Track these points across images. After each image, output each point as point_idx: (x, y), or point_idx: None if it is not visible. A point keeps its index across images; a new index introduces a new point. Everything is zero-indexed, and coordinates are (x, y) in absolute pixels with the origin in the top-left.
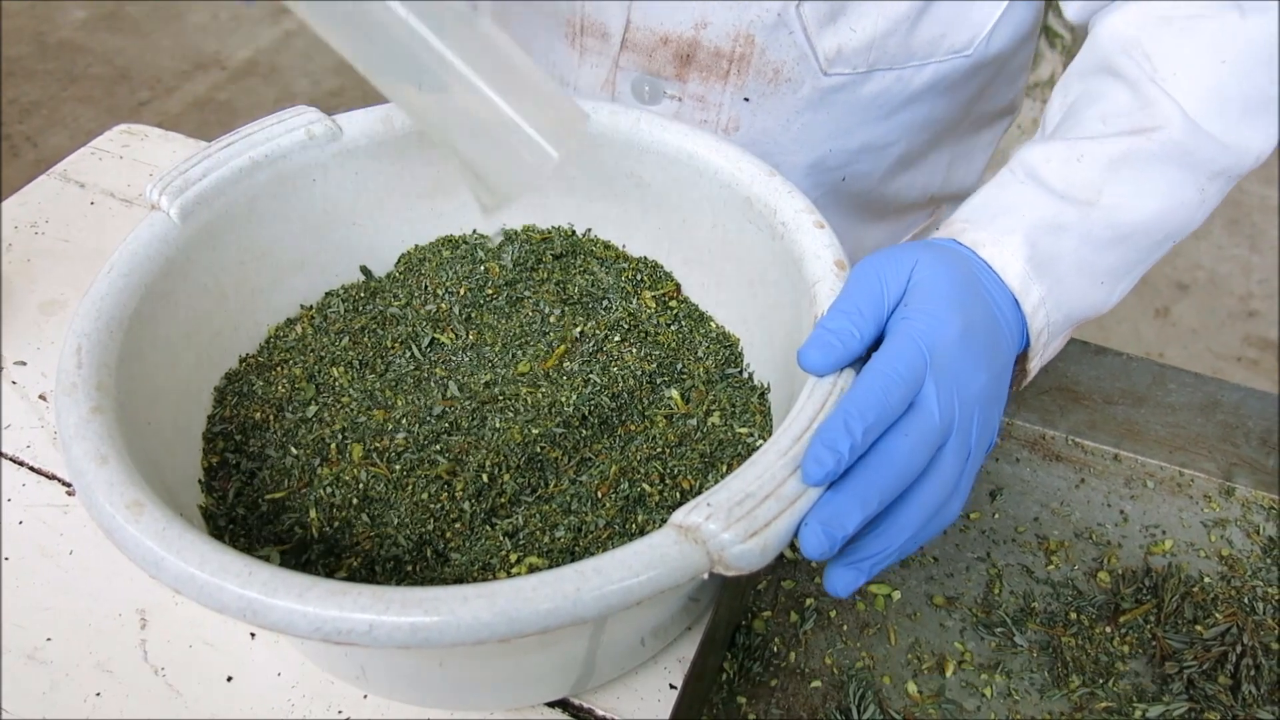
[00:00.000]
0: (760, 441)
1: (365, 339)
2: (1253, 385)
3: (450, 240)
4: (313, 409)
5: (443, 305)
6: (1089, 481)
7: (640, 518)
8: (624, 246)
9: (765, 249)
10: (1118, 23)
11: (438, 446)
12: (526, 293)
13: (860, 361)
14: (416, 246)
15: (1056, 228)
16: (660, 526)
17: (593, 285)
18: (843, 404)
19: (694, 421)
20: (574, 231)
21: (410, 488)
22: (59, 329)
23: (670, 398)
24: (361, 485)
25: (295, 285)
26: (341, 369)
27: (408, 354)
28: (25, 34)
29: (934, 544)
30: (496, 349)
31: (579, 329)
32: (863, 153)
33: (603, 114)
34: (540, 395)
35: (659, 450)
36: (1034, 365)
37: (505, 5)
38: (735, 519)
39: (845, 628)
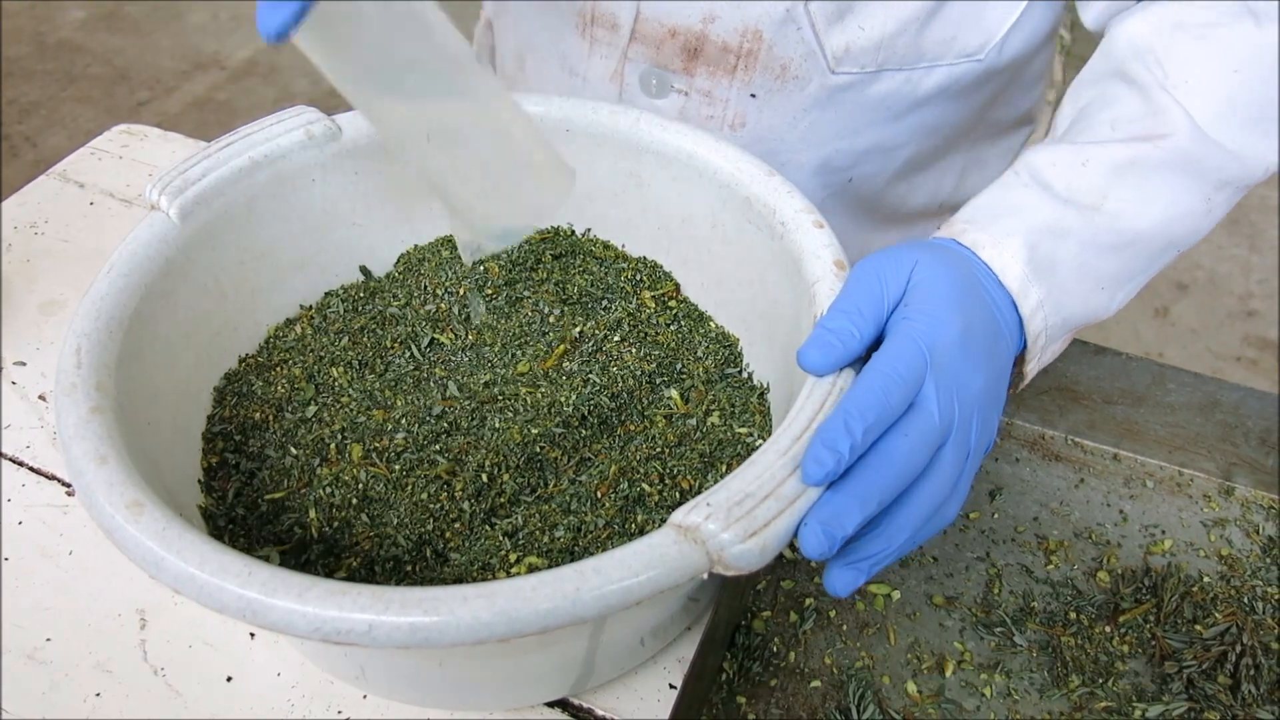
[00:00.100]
0: (760, 441)
1: (365, 339)
2: (1252, 385)
3: (450, 240)
4: (312, 409)
5: (442, 305)
6: (1088, 481)
7: (640, 517)
8: (623, 246)
9: (764, 249)
10: (1132, 28)
11: (437, 446)
12: (526, 293)
13: (860, 361)
14: (416, 246)
15: (1058, 232)
16: (660, 526)
17: (592, 285)
18: (843, 404)
19: (693, 421)
20: (573, 231)
21: (410, 488)
22: (58, 329)
23: (670, 398)
24: (361, 485)
25: (295, 285)
26: (341, 369)
27: (407, 354)
28: (25, 34)
29: (933, 544)
30: (496, 349)
31: (578, 329)
32: (870, 154)
33: (602, 114)
34: (540, 395)
35: (658, 450)
36: (1031, 368)
37: None
38: (735, 519)
39: (845, 627)
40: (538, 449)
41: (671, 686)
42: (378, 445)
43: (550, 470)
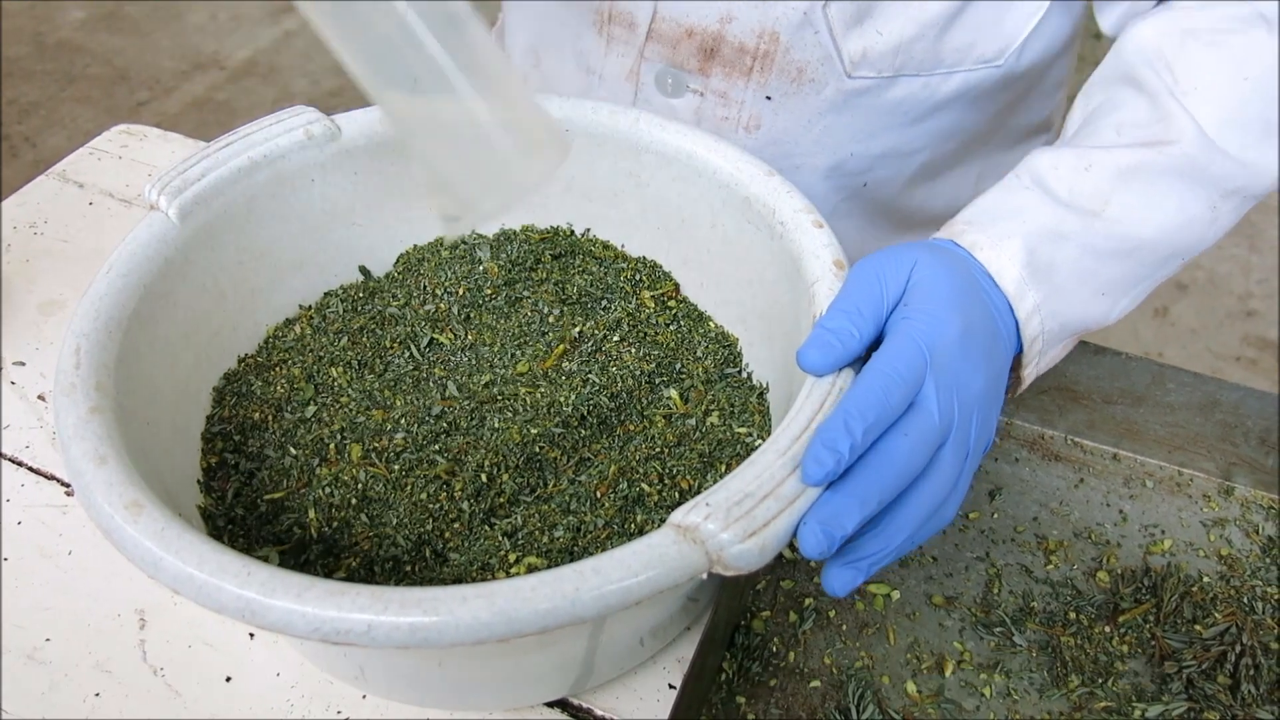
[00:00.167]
0: (759, 441)
1: (364, 339)
2: (1252, 385)
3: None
4: (311, 409)
5: (441, 305)
6: (1088, 481)
7: (639, 517)
8: (623, 246)
9: (764, 248)
10: (1144, 32)
11: (436, 446)
12: (525, 293)
13: (859, 361)
14: (415, 246)
15: (1057, 236)
16: (659, 526)
17: (591, 285)
18: (843, 404)
19: (693, 421)
20: (573, 231)
21: (409, 488)
22: (58, 329)
23: (669, 397)
24: (360, 485)
25: (294, 285)
26: (340, 369)
27: (406, 354)
28: (24, 34)
29: (933, 544)
30: (495, 349)
31: (578, 329)
32: (885, 158)
33: (602, 114)
34: (539, 395)
35: (658, 450)
36: (1028, 373)
37: None
38: (734, 519)
39: (844, 627)
40: (537, 449)
41: (671, 686)
42: (377, 445)
43: (550, 470)
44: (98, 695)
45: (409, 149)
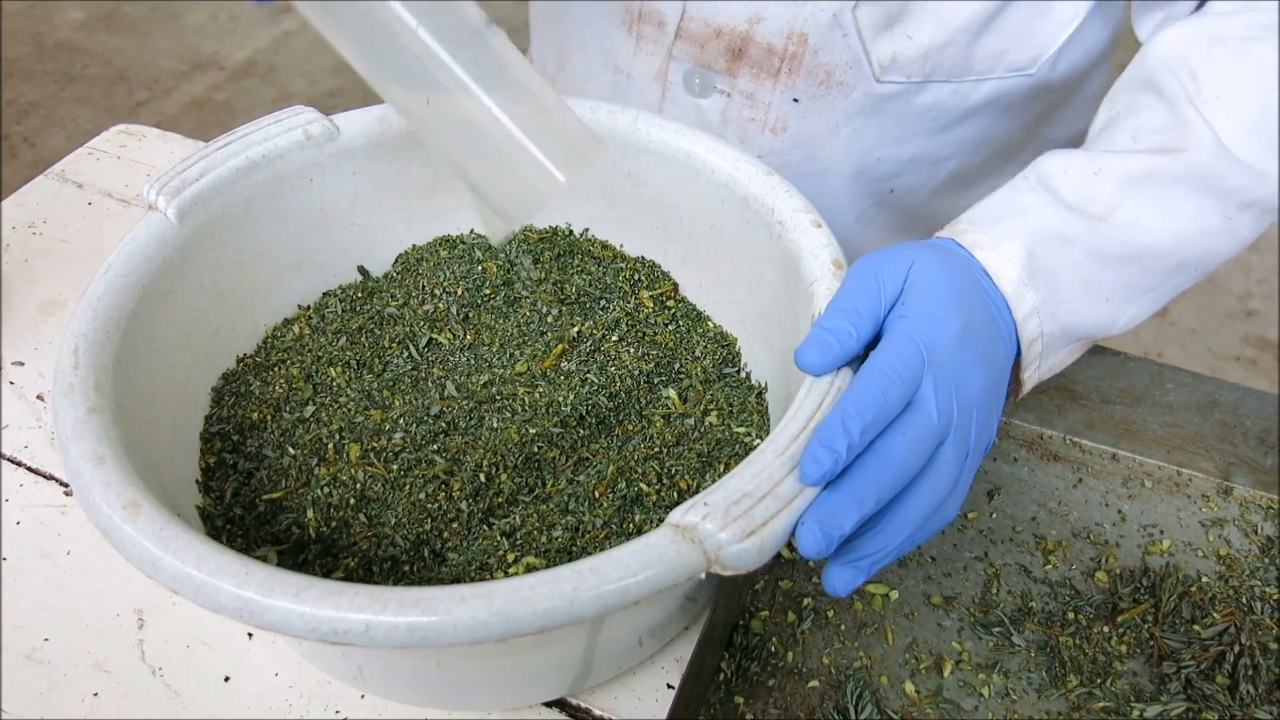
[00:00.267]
0: (758, 441)
1: (363, 339)
2: (1251, 385)
3: (448, 240)
4: (310, 409)
5: (440, 305)
6: (1087, 481)
7: (638, 517)
8: (621, 246)
9: (763, 248)
10: (1170, 38)
11: (435, 446)
12: (524, 292)
13: (858, 361)
14: (414, 246)
15: (1060, 238)
16: (657, 526)
17: (590, 285)
18: (840, 403)
19: (691, 421)
20: (571, 231)
21: (408, 488)
22: (57, 329)
23: (668, 397)
24: (359, 485)
25: (293, 285)
26: (339, 369)
27: (405, 354)
28: (23, 34)
29: (932, 543)
30: (494, 349)
31: (576, 329)
32: (913, 165)
33: (600, 113)
34: (538, 395)
35: (656, 450)
36: (1028, 375)
37: None
38: (732, 518)
39: (843, 627)
40: (536, 449)
41: (669, 686)
42: (376, 445)
43: (548, 470)
44: (96, 695)
45: (449, 164)
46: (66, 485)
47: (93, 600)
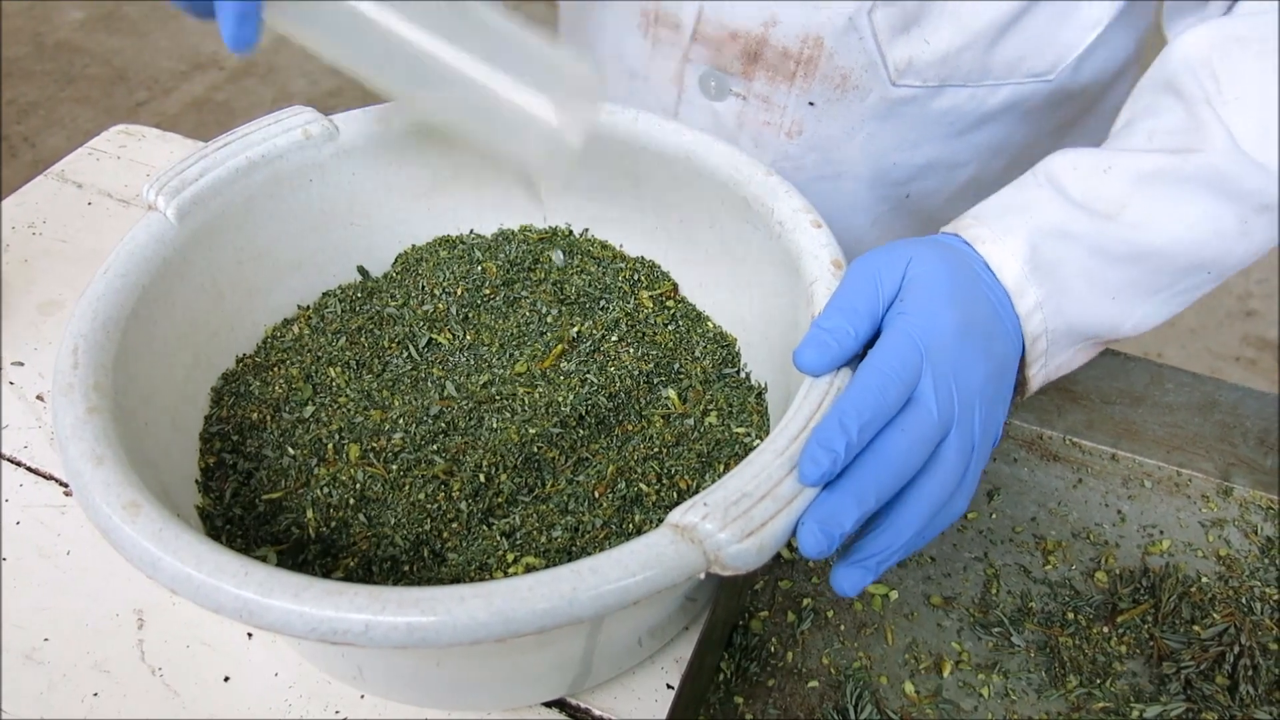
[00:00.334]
0: (757, 441)
1: (362, 339)
2: (1251, 385)
3: (447, 240)
4: (310, 409)
5: (440, 305)
6: (1086, 481)
7: (637, 517)
8: (621, 246)
9: (763, 248)
10: (1191, 39)
11: (435, 447)
12: (523, 293)
13: (857, 359)
14: (414, 246)
15: (1064, 234)
16: (657, 526)
17: (590, 285)
18: (838, 403)
19: (691, 421)
20: (571, 231)
21: (407, 488)
22: (57, 329)
23: (667, 397)
24: (358, 485)
25: (292, 285)
26: (338, 369)
27: (405, 354)
28: (23, 35)
29: (931, 544)
30: (494, 349)
31: (576, 329)
32: (929, 169)
33: (600, 113)
34: (537, 395)
35: (656, 450)
36: (1034, 373)
37: None
38: (732, 519)
39: (842, 628)
40: (535, 449)
41: (669, 686)
42: (375, 445)
43: (548, 470)
44: (96, 695)
45: (470, 145)
46: (66, 485)
47: (93, 600)
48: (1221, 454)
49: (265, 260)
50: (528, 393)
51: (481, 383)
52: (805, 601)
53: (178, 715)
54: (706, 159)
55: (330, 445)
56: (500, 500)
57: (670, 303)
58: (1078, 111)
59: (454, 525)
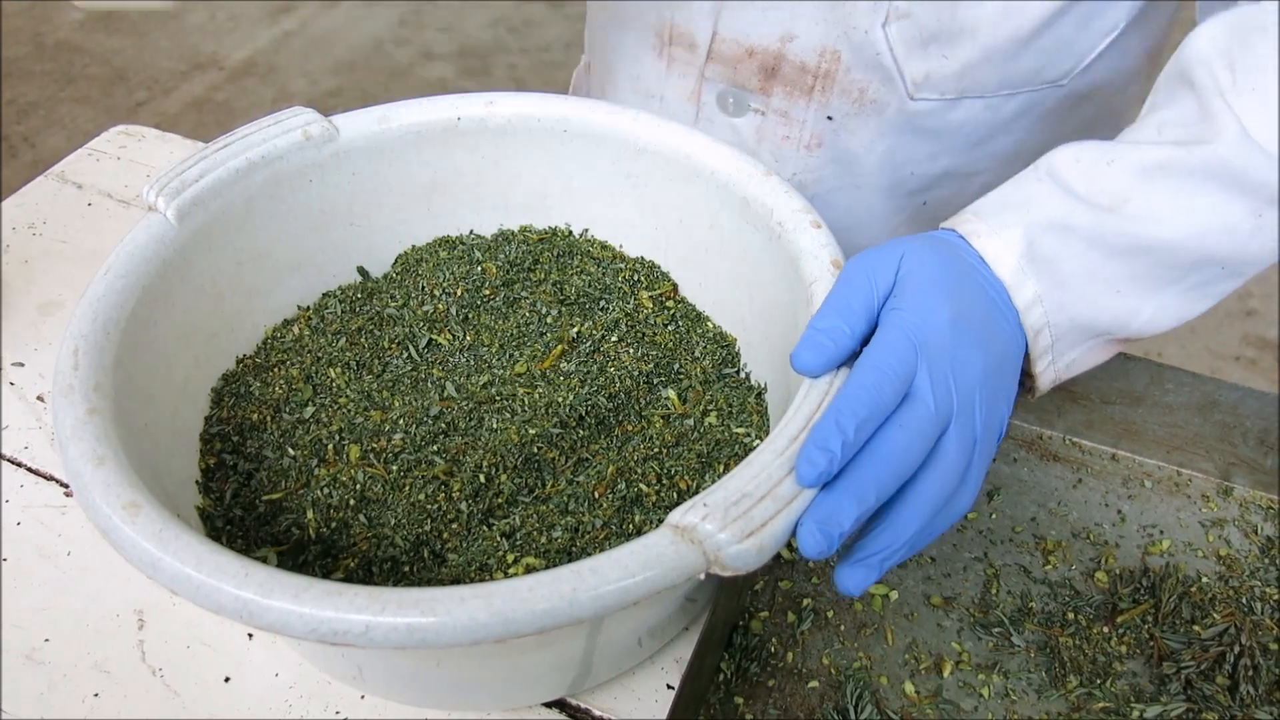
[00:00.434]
0: (757, 441)
1: (362, 340)
2: (1251, 385)
3: (447, 240)
4: (310, 410)
5: (440, 306)
6: (1086, 481)
7: (637, 518)
8: (621, 246)
9: (762, 249)
10: (1210, 30)
11: (435, 447)
12: (523, 293)
13: (855, 358)
14: (413, 247)
15: (1063, 228)
16: (657, 527)
17: (590, 285)
18: (834, 402)
19: (691, 422)
20: (570, 231)
21: (407, 488)
22: (57, 330)
23: (667, 398)
24: (359, 486)
25: (292, 286)
26: (338, 370)
27: (405, 355)
28: (23, 35)
29: (931, 544)
30: (494, 349)
31: (576, 329)
32: (946, 178)
33: (600, 113)
34: (537, 396)
35: (656, 450)
36: (1041, 369)
37: (594, 14)
38: (732, 519)
39: (843, 628)
40: (535, 449)
41: (669, 687)
42: (375, 446)
43: (548, 471)
44: (96, 695)
45: None
46: (66, 486)
47: (93, 600)
48: (1221, 454)
49: (265, 261)
50: (528, 393)
51: (481, 383)
52: (805, 602)
53: (178, 715)
54: (706, 160)
55: (330, 446)
56: (500, 501)
57: (670, 303)
58: (1093, 115)
59: (454, 526)
